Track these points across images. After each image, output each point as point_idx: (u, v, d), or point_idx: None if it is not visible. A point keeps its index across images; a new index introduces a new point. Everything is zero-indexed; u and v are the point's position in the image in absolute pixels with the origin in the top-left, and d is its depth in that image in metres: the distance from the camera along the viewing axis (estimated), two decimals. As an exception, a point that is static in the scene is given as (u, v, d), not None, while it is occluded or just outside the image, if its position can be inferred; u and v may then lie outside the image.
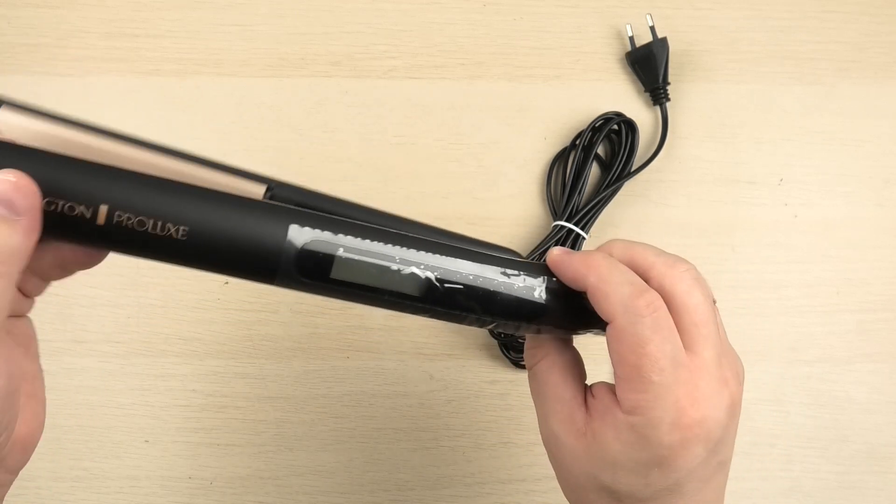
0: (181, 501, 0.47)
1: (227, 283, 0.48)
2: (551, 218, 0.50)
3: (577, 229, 0.47)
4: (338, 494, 0.48)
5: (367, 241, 0.25)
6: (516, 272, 0.27)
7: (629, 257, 0.27)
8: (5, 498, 0.25)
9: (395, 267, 0.25)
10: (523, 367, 0.44)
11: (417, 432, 0.48)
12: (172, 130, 0.50)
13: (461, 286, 0.26)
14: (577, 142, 0.50)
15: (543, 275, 0.28)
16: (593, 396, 0.28)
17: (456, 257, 0.26)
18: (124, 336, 0.48)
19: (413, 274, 0.25)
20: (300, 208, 0.25)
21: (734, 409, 0.26)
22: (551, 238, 0.47)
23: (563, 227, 0.47)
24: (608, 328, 0.26)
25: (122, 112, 0.50)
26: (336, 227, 0.25)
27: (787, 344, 0.50)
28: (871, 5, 0.53)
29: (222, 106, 0.50)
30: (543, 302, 0.27)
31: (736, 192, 0.51)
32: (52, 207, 0.22)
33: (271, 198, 0.26)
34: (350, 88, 0.51)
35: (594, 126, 0.49)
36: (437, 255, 0.26)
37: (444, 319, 0.27)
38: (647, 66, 0.50)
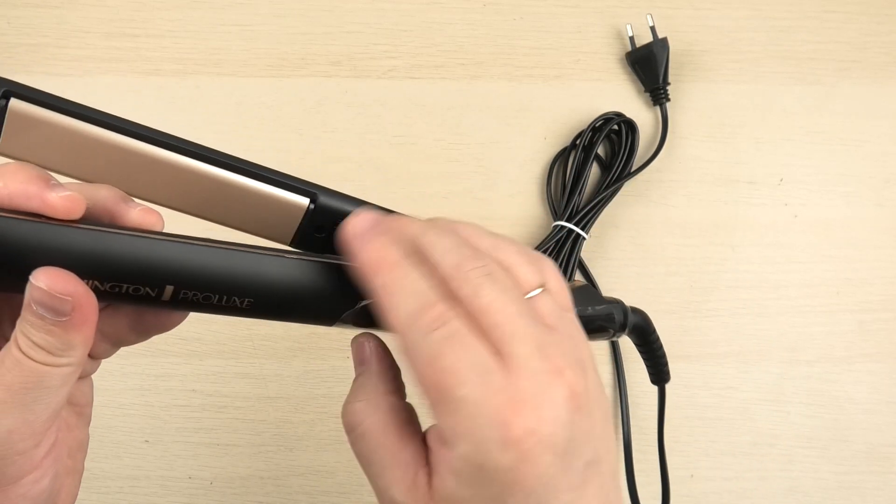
0: (181, 501, 0.47)
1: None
2: (551, 218, 0.50)
3: (577, 229, 0.47)
4: (338, 494, 0.48)
5: None
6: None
7: (426, 256, 0.24)
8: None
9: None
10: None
11: (417, 432, 0.48)
12: (172, 131, 0.50)
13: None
14: (578, 142, 0.50)
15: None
16: (427, 445, 0.24)
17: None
18: (124, 336, 0.48)
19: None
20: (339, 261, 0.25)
21: (577, 401, 0.22)
22: (551, 238, 0.47)
23: (563, 227, 0.47)
24: (398, 341, 0.23)
25: (122, 112, 0.50)
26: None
27: (787, 344, 0.50)
28: (871, 5, 0.53)
29: (222, 106, 0.50)
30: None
31: (736, 191, 0.51)
32: (116, 290, 0.22)
33: (314, 209, 0.26)
34: (350, 88, 0.51)
35: (594, 126, 0.49)
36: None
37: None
38: (648, 66, 0.50)
